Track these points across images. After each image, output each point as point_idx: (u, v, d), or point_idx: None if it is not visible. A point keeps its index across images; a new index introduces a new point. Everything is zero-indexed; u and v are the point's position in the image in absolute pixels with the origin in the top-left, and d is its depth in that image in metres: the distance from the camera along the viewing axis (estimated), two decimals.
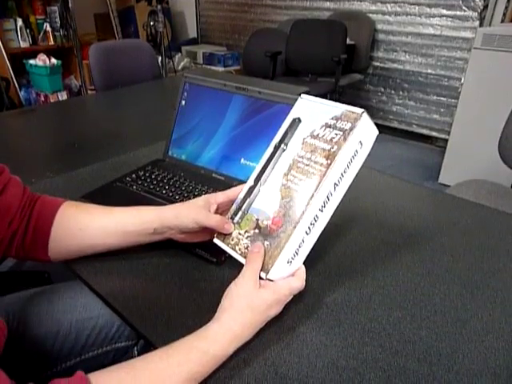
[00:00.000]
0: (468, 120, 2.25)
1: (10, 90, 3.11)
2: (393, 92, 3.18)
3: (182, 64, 3.81)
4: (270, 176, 0.56)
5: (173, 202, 0.76)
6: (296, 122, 0.58)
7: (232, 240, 0.56)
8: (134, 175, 0.85)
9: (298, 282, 0.53)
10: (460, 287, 0.61)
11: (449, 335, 0.53)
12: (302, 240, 0.52)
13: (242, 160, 0.82)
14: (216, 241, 0.59)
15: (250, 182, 0.58)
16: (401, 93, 3.14)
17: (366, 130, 0.53)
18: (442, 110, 2.97)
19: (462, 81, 2.34)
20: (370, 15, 3.06)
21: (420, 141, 3.15)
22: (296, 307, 0.56)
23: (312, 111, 0.57)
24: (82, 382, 0.41)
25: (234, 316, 0.49)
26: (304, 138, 0.55)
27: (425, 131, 3.11)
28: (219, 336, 0.47)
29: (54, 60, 3.18)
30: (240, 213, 0.57)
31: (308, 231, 0.52)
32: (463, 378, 0.47)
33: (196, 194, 0.78)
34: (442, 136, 2.99)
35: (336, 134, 0.52)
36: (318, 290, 0.60)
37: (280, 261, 0.51)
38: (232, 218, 0.58)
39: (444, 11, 2.74)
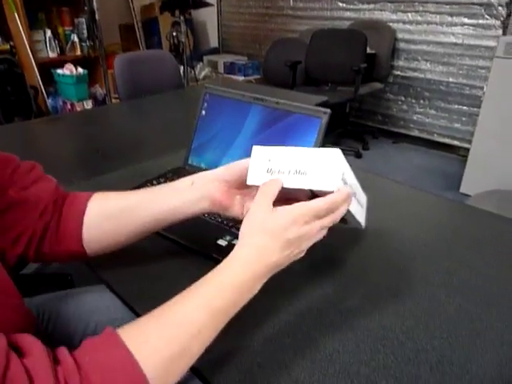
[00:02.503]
0: (490, 129, 2.22)
1: (39, 98, 3.23)
2: (413, 101, 3.15)
3: (203, 73, 3.88)
4: None
5: None
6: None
7: None
8: (155, 182, 0.88)
9: (325, 202, 0.47)
10: (476, 299, 0.61)
11: (462, 345, 0.53)
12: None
13: None
14: (257, 147, 0.52)
15: None
16: (422, 101, 3.11)
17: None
18: (463, 118, 2.93)
19: (484, 89, 2.31)
20: (391, 24, 3.06)
21: (441, 150, 3.11)
22: (310, 313, 0.57)
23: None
24: (111, 337, 0.41)
25: (247, 241, 0.48)
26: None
27: (446, 140, 3.07)
28: (233, 264, 0.47)
29: (80, 69, 3.30)
30: None
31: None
32: None
33: None
34: (464, 145, 2.94)
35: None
36: (332, 297, 0.61)
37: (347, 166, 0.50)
38: None
39: (466, 20, 2.71)
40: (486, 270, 0.68)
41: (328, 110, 0.77)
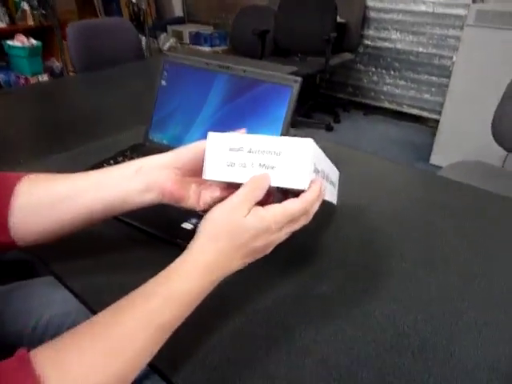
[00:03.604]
0: (460, 99, 2.22)
1: None
2: (384, 71, 3.12)
3: (167, 44, 3.69)
4: None
5: None
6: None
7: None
8: (111, 161, 0.80)
9: (301, 204, 0.42)
10: (456, 276, 0.58)
11: (445, 327, 0.50)
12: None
13: None
14: (214, 134, 0.45)
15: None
16: (392, 72, 3.09)
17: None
18: (433, 89, 2.94)
19: (454, 59, 2.29)
20: None
21: (411, 121, 3.12)
22: (284, 301, 0.53)
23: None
24: (21, 364, 0.34)
25: (208, 249, 0.41)
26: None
27: (416, 111, 3.08)
28: (185, 273, 0.40)
29: (33, 41, 3.06)
30: None
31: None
32: (460, 373, 0.45)
33: None
34: (433, 116, 2.96)
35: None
36: (307, 282, 0.56)
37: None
38: None
39: None
40: (465, 245, 0.65)
41: (299, 79, 0.71)
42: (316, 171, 0.44)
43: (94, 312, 0.52)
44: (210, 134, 0.45)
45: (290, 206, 0.42)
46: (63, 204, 0.50)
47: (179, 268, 0.41)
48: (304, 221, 0.45)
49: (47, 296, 0.68)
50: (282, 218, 0.42)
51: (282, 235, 0.44)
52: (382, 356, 0.46)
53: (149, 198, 0.49)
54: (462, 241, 0.66)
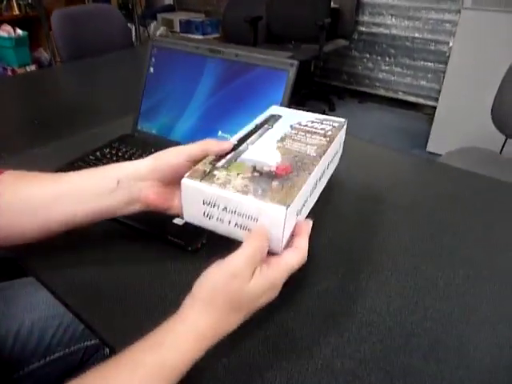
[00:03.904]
0: (457, 85, 2.18)
1: None
2: (379, 58, 3.07)
3: (158, 33, 3.61)
4: (259, 140, 0.49)
5: None
6: (276, 116, 0.56)
7: (218, 179, 0.41)
8: (98, 153, 0.75)
9: (298, 255, 0.41)
10: (465, 269, 0.55)
11: (456, 325, 0.47)
12: (309, 193, 0.45)
13: (220, 133, 0.73)
14: (187, 181, 0.41)
15: (233, 142, 0.48)
16: (387, 59, 3.04)
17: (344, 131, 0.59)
18: (429, 75, 2.89)
19: (451, 44, 2.25)
20: None
21: (407, 108, 3.08)
22: (283, 301, 0.49)
23: (291, 112, 0.58)
24: None
25: (206, 314, 0.37)
26: (292, 125, 0.54)
27: (412, 98, 3.04)
28: (180, 341, 0.36)
29: (19, 31, 2.98)
30: (224, 160, 0.44)
31: (315, 185, 0.47)
32: (475, 374, 0.41)
33: None
34: (430, 103, 2.92)
35: (326, 127, 0.55)
36: (307, 278, 0.53)
37: (298, 198, 0.40)
38: (212, 164, 0.43)
39: None
40: (470, 234, 0.62)
41: (295, 62, 0.67)
42: (298, 214, 0.43)
43: (78, 316, 0.49)
44: (184, 182, 0.41)
45: (294, 259, 0.41)
46: (45, 209, 0.48)
47: (171, 339, 0.36)
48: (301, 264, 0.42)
49: (30, 298, 0.65)
50: (286, 272, 0.40)
51: (279, 289, 0.41)
52: (391, 358, 0.43)
53: (133, 208, 0.48)
54: (469, 231, 0.62)
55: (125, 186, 0.46)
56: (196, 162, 0.45)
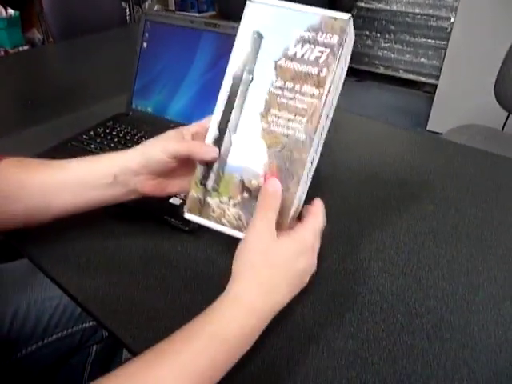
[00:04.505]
0: (458, 62, 2.13)
1: None
2: (378, 35, 3.01)
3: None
4: (241, 120, 0.42)
5: None
6: (255, 38, 0.41)
7: (213, 212, 0.43)
8: (91, 132, 0.73)
9: (316, 218, 0.41)
10: (469, 247, 0.54)
11: (460, 304, 0.46)
12: (303, 192, 0.42)
13: None
14: (188, 216, 0.44)
15: (213, 132, 0.42)
16: (387, 36, 2.97)
17: (351, 39, 0.42)
18: (430, 52, 2.83)
19: (452, 20, 2.20)
20: None
21: (406, 87, 3.03)
22: None
23: (275, 21, 0.41)
24: None
25: (246, 282, 0.37)
26: (276, 62, 0.40)
27: (412, 76, 2.98)
28: (228, 312, 0.36)
29: (10, 11, 2.89)
30: (213, 175, 0.42)
31: (307, 180, 0.42)
32: (480, 355, 0.41)
33: None
34: (430, 81, 2.87)
35: (321, 52, 0.39)
36: None
37: (292, 212, 0.41)
38: (203, 184, 0.43)
39: None
40: (475, 212, 0.60)
41: None
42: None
43: (74, 299, 0.47)
44: (185, 217, 0.44)
45: (312, 219, 0.41)
46: (44, 198, 0.48)
47: (220, 312, 0.36)
48: (320, 239, 0.42)
49: (26, 280, 0.64)
50: (311, 232, 0.40)
51: (315, 257, 0.41)
52: (394, 338, 0.42)
53: (131, 198, 0.49)
54: (473, 208, 0.61)
55: (121, 181, 0.47)
56: (180, 160, 0.45)
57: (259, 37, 0.41)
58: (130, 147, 0.67)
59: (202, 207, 0.43)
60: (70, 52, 1.49)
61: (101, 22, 1.75)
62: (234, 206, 0.42)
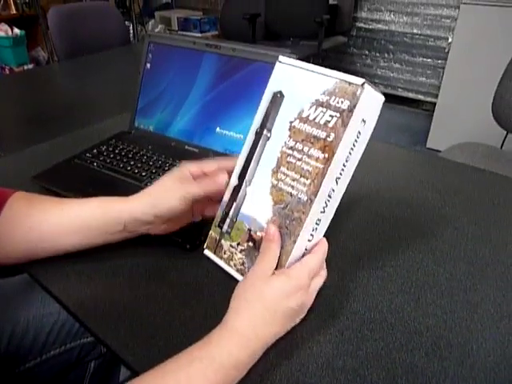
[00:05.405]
0: (457, 81, 2.16)
1: None
2: (377, 55, 3.06)
3: (156, 31, 3.60)
4: (257, 173, 0.44)
5: (139, 179, 0.66)
6: (278, 97, 0.44)
7: (225, 253, 0.47)
8: (95, 150, 0.74)
9: (316, 257, 0.43)
10: (467, 265, 0.54)
11: (459, 322, 0.46)
12: (304, 248, 0.44)
13: (218, 129, 0.72)
14: (207, 253, 0.49)
15: (234, 181, 0.46)
16: (386, 55, 3.02)
17: (369, 104, 0.40)
18: (428, 71, 2.88)
19: (450, 40, 2.24)
20: None
21: (406, 105, 3.07)
22: None
23: (296, 82, 0.43)
24: None
25: (241, 315, 0.40)
26: (291, 122, 0.42)
27: (411, 95, 3.03)
28: (224, 340, 0.39)
29: (16, 30, 2.96)
30: (228, 220, 0.47)
31: (310, 238, 0.43)
32: (479, 373, 0.41)
33: (166, 169, 0.69)
34: (429, 99, 2.91)
35: (331, 117, 0.39)
36: None
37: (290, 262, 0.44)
38: (220, 227, 0.48)
39: None
40: (473, 230, 0.61)
41: (293, 56, 0.65)
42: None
43: (73, 315, 0.48)
44: (204, 253, 0.49)
45: (309, 260, 0.43)
46: (52, 239, 0.51)
47: (216, 338, 0.39)
48: (324, 274, 0.46)
49: (25, 296, 0.64)
50: (305, 270, 0.42)
51: (312, 292, 0.44)
52: (393, 356, 0.42)
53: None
54: (472, 227, 0.62)
55: (131, 228, 0.50)
56: (196, 201, 0.48)
57: (281, 96, 0.43)
58: (131, 166, 0.69)
59: (216, 247, 0.48)
60: (74, 70, 1.52)
61: (105, 41, 1.79)
62: (241, 251, 0.45)
